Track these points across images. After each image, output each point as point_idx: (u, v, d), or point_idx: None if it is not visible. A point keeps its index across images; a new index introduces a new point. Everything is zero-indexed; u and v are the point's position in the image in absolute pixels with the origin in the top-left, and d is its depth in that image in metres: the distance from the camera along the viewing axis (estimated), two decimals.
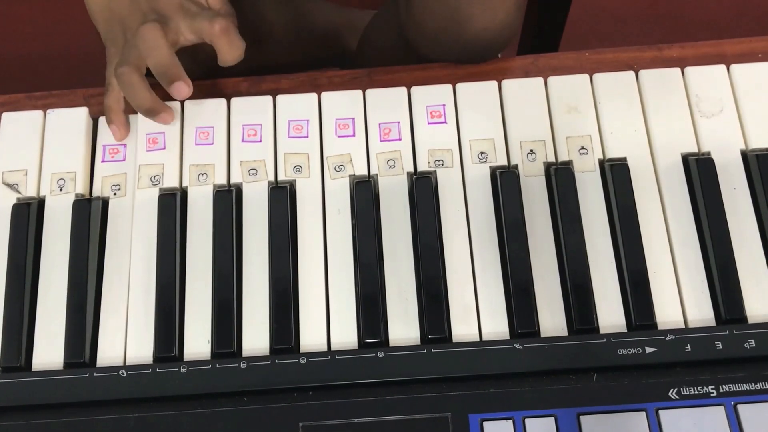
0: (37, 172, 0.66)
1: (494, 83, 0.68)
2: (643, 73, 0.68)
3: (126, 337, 0.61)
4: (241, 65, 0.66)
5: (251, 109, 0.68)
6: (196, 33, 0.65)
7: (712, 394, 0.55)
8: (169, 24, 0.64)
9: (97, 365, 0.60)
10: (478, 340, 0.59)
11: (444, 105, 0.67)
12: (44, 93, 0.72)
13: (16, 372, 0.59)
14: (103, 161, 0.67)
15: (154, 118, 0.66)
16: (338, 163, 0.65)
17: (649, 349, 0.57)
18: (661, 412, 0.55)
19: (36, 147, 0.67)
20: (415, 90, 0.68)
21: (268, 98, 0.68)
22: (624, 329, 0.59)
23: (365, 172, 0.65)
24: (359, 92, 0.68)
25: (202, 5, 0.66)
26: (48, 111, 0.68)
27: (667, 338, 0.57)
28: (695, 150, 0.65)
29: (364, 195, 0.63)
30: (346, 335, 0.60)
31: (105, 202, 0.65)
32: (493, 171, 0.65)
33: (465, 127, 0.66)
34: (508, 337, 0.59)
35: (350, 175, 0.65)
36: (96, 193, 0.66)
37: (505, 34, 0.69)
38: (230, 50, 0.64)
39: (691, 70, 0.68)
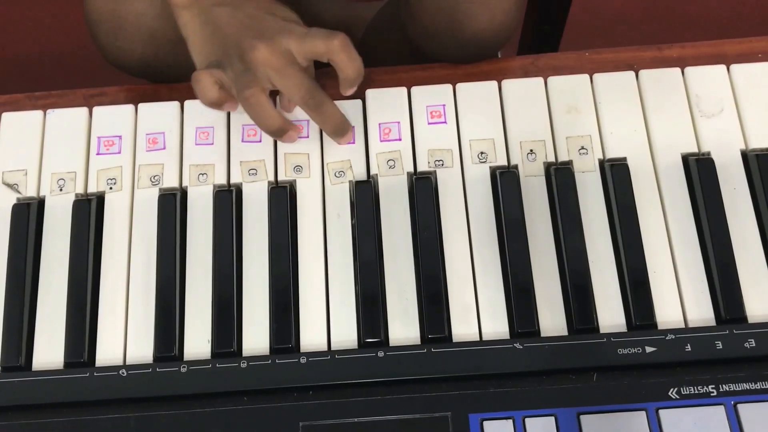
0: (37, 172, 0.66)
1: (494, 83, 0.68)
2: (643, 73, 0.68)
3: (126, 337, 0.61)
4: None
5: None
6: (308, 54, 0.63)
7: (712, 394, 0.55)
8: (278, 45, 0.62)
9: (97, 365, 0.60)
10: (478, 339, 0.59)
11: (444, 105, 0.67)
12: (44, 93, 0.72)
13: (16, 372, 0.59)
14: (98, 153, 0.67)
15: (280, 138, 0.66)
16: (338, 169, 0.65)
17: (649, 349, 0.57)
18: (661, 411, 0.55)
19: (36, 147, 0.67)
20: (415, 90, 0.68)
21: None
22: (624, 329, 0.59)
23: (365, 177, 0.65)
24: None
25: (302, 24, 0.65)
26: (48, 111, 0.68)
27: (667, 338, 0.57)
28: (695, 150, 0.65)
29: (364, 195, 0.63)
30: (346, 335, 0.60)
31: (101, 198, 0.65)
32: (493, 171, 0.65)
33: (465, 127, 0.66)
34: (508, 337, 0.59)
35: (350, 181, 0.65)
36: (92, 187, 0.66)
37: (504, 34, 0.69)
38: (350, 64, 0.63)
39: (691, 70, 0.68)
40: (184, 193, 0.65)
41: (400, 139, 0.66)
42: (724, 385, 0.55)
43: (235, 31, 0.63)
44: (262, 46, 0.61)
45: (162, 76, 0.71)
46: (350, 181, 0.65)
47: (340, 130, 0.65)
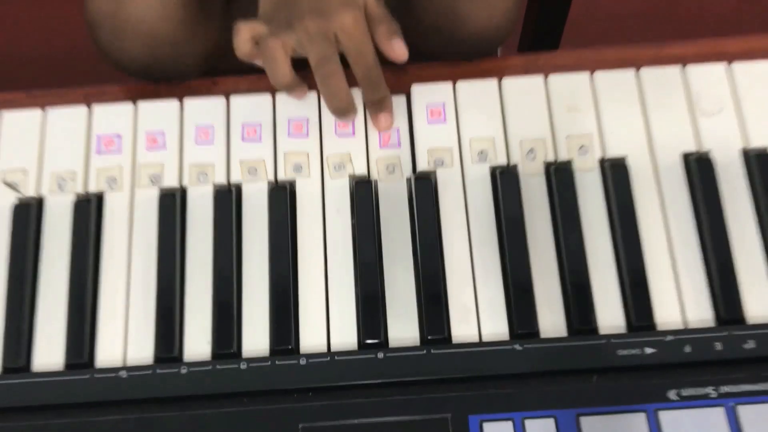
0: (37, 171, 0.66)
1: (494, 82, 0.68)
2: (644, 72, 0.67)
3: (126, 338, 0.61)
4: (243, 64, 0.66)
5: (251, 107, 0.68)
6: (341, 48, 0.63)
7: (711, 395, 0.55)
8: (327, 26, 0.62)
9: (98, 366, 0.60)
10: (478, 340, 0.59)
11: (444, 104, 0.67)
12: (44, 92, 0.72)
13: (16, 373, 0.59)
14: (98, 152, 0.67)
15: (289, 94, 0.66)
16: (338, 163, 0.65)
17: (648, 350, 0.57)
18: (660, 413, 0.55)
19: (36, 146, 0.67)
20: (415, 89, 0.68)
21: (268, 97, 0.68)
22: (623, 330, 0.59)
23: (365, 171, 0.65)
24: (359, 91, 0.68)
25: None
26: (48, 109, 0.68)
27: (666, 339, 0.57)
28: (695, 149, 0.65)
29: (364, 195, 0.63)
30: (345, 336, 0.60)
31: (101, 198, 0.65)
32: (493, 170, 0.65)
33: (465, 126, 0.66)
34: (507, 338, 0.59)
35: (350, 175, 0.65)
36: (92, 186, 0.65)
37: (503, 32, 0.69)
38: (371, 92, 0.64)
39: (692, 69, 0.67)
40: (184, 192, 0.65)
41: (399, 139, 0.66)
42: (723, 387, 0.55)
43: None
44: (312, 24, 0.61)
45: (162, 77, 0.71)
46: (350, 175, 0.65)
47: (342, 109, 0.64)
